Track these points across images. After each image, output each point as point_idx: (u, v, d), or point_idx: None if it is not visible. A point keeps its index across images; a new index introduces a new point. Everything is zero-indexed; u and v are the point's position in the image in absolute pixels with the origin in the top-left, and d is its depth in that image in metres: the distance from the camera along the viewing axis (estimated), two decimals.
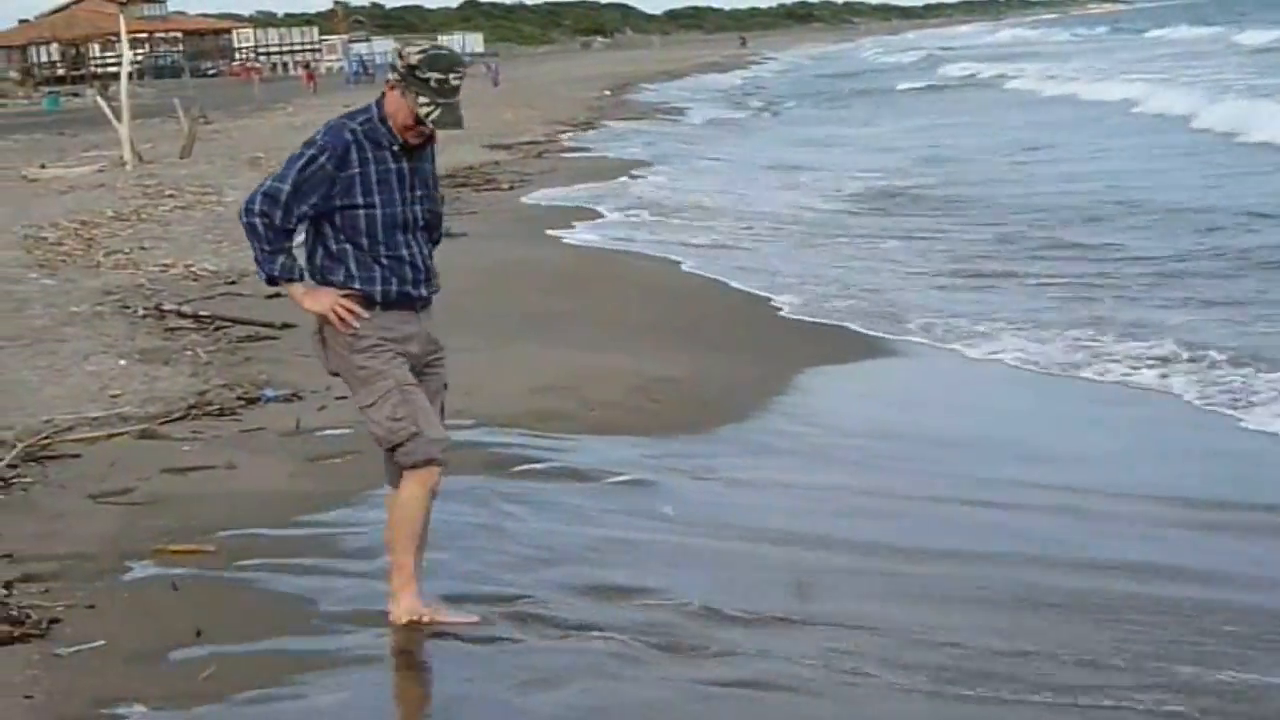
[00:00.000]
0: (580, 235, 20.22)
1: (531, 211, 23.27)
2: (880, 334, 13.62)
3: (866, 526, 8.38)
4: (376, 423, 6.46)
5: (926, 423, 10.86)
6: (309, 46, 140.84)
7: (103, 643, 6.49)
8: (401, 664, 6.48)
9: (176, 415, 10.53)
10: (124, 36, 34.34)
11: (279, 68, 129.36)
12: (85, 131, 46.29)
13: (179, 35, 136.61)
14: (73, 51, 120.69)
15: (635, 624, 6.73)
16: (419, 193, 6.50)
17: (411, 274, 6.48)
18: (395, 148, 6.38)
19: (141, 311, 14.68)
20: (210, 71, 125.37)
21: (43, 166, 33.76)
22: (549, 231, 20.52)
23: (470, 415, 10.14)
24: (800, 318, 14.42)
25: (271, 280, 6.51)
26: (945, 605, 7.09)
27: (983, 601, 7.15)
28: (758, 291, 15.84)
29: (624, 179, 27.56)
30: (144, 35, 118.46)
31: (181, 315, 14.27)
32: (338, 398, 10.75)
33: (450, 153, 33.19)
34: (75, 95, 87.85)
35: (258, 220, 6.36)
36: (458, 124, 6.36)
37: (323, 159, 6.31)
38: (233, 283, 16.36)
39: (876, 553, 7.90)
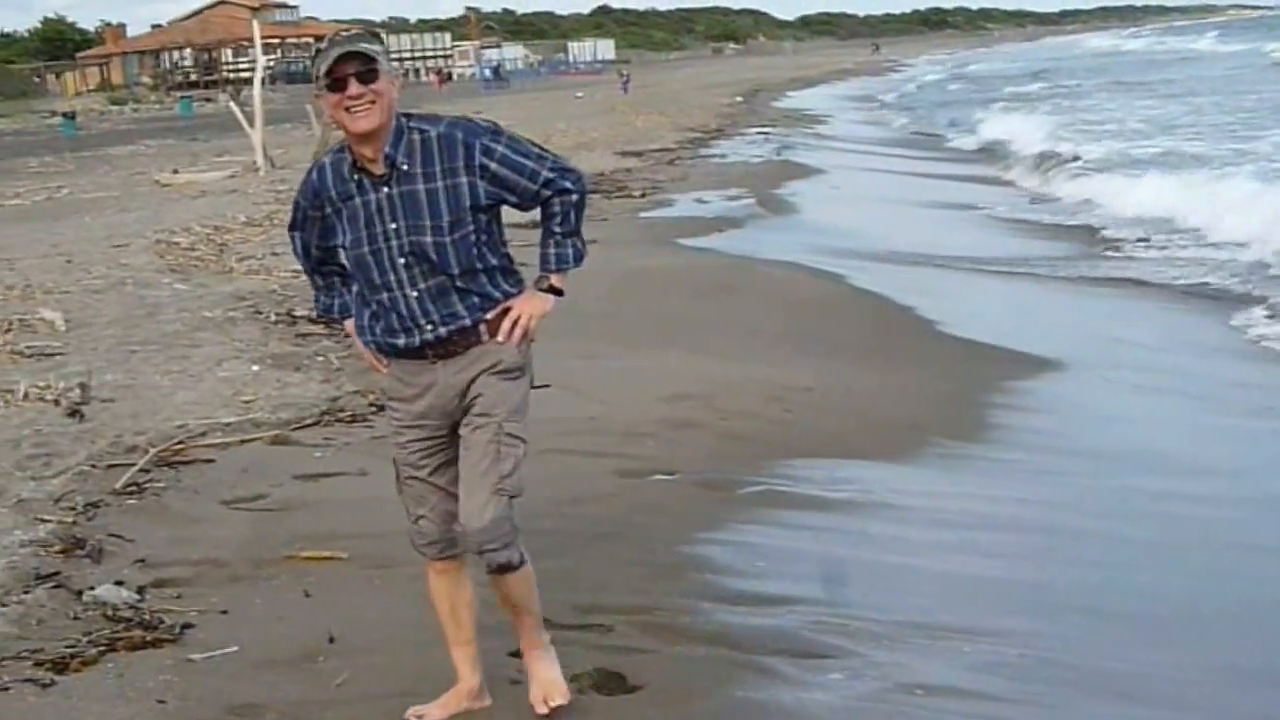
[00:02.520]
0: (712, 242, 20.11)
1: (663, 219, 23.19)
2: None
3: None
4: None
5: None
6: (441, 52, 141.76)
7: (236, 649, 6.50)
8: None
9: (309, 421, 10.55)
10: (257, 42, 34.71)
11: (410, 74, 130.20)
12: (217, 137, 46.92)
13: (311, 41, 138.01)
14: (205, 57, 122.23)
15: (771, 633, 6.66)
16: (394, 225, 5.44)
17: (399, 321, 5.54)
18: (356, 177, 5.46)
19: (274, 317, 14.76)
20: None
21: (175, 172, 34.20)
22: (680, 239, 20.43)
23: (602, 423, 10.12)
24: (953, 332, 14.15)
25: (318, 317, 6.19)
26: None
27: None
28: (886, 294, 15.69)
29: (758, 186, 27.35)
30: (276, 41, 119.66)
31: (313, 321, 14.33)
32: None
33: (581, 160, 33.26)
34: (208, 100, 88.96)
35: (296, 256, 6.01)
36: (354, 46, 5.33)
37: (301, 200, 5.69)
38: None
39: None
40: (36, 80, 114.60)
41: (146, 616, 6.89)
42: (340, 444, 9.97)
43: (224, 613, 6.96)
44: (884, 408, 11.08)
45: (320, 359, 12.68)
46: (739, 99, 65.27)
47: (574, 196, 5.66)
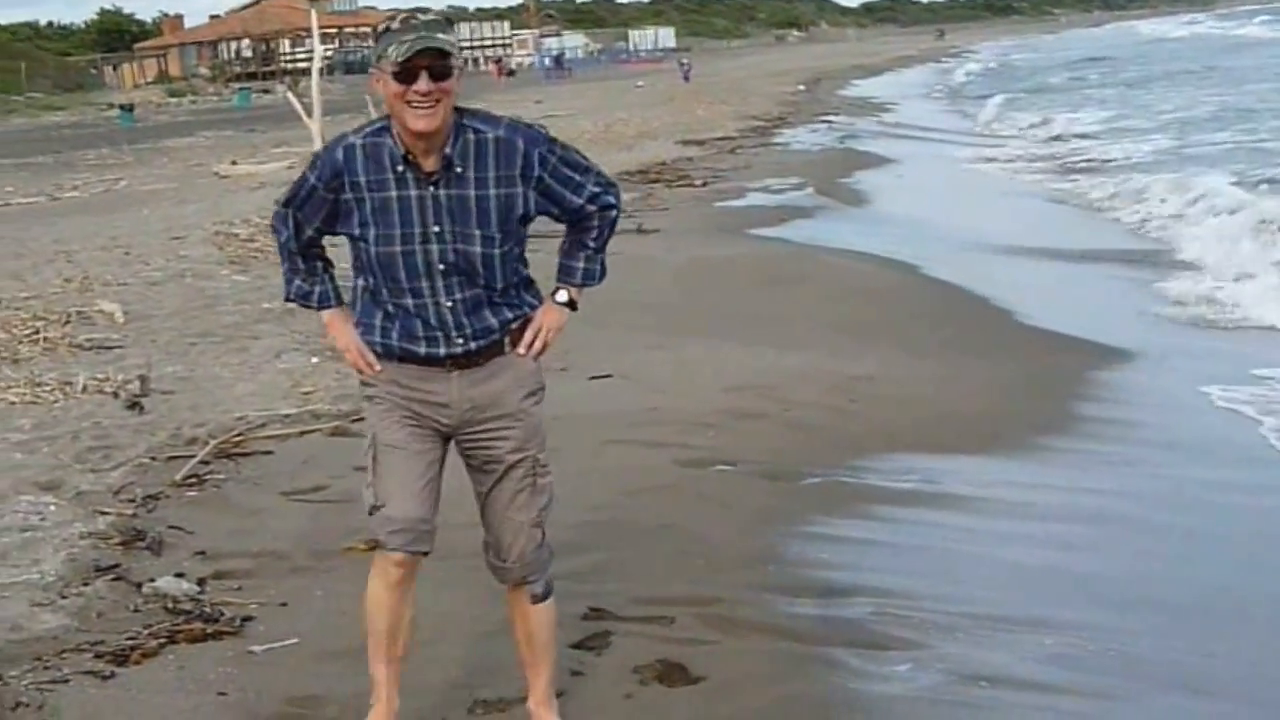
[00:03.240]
0: (777, 231, 20.00)
1: (725, 208, 23.06)
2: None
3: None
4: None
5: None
6: (500, 41, 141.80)
7: (296, 641, 6.48)
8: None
9: None
10: (315, 32, 34.69)
11: (469, 63, 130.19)
12: (275, 128, 47.04)
13: (369, 30, 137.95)
14: (263, 47, 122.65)
15: (836, 625, 6.61)
16: (435, 228, 5.02)
17: (422, 329, 5.14)
18: (399, 168, 5.00)
19: None
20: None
21: (234, 163, 34.33)
22: (742, 228, 20.32)
23: (664, 413, 10.06)
24: (1029, 322, 13.96)
25: (288, 299, 5.56)
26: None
27: None
28: (959, 284, 15.60)
29: (823, 175, 27.20)
30: (334, 31, 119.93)
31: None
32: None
33: (643, 149, 33.28)
34: (265, 91, 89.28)
35: (274, 235, 5.45)
36: (433, 40, 4.88)
37: (313, 179, 5.11)
38: None
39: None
40: (94, 72, 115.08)
41: (207, 609, 6.88)
42: None
43: (284, 605, 6.95)
44: (951, 398, 10.95)
45: None
46: (801, 87, 64.93)
47: (614, 213, 5.44)
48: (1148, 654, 6.48)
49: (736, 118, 44.76)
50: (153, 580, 7.23)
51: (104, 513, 8.34)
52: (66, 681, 6.11)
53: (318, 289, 5.42)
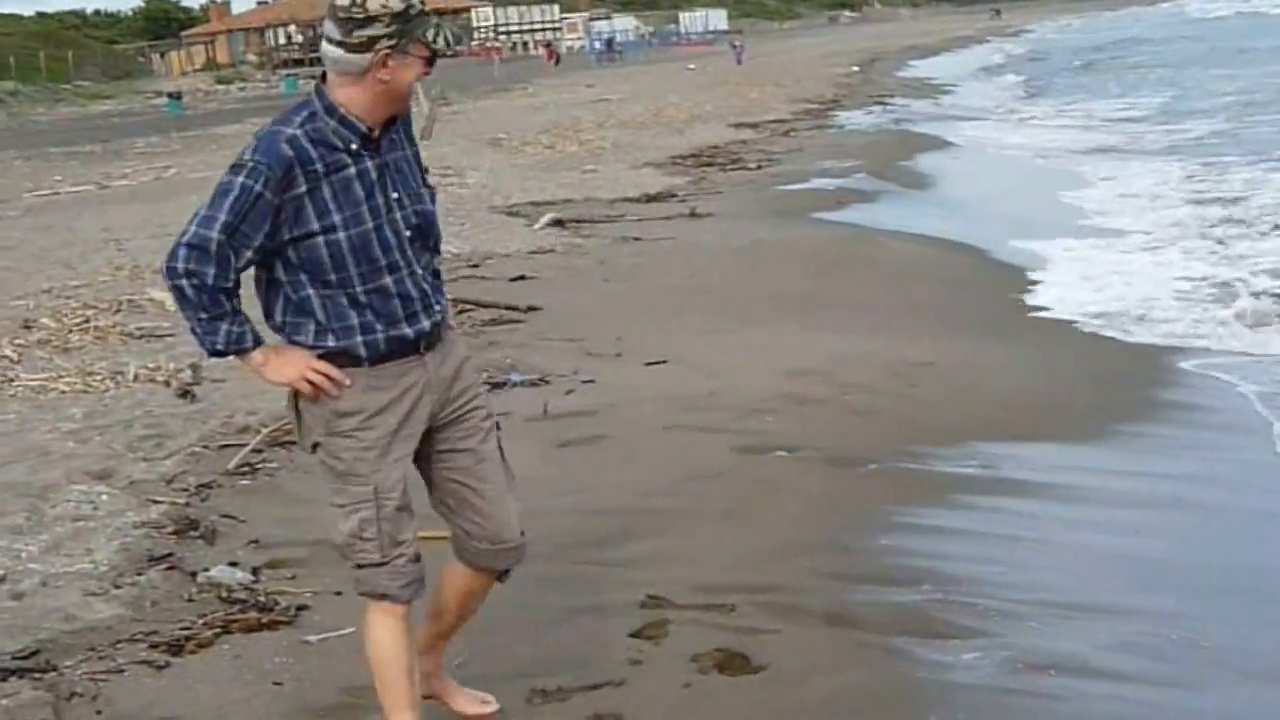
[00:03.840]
0: (833, 215, 19.86)
1: (781, 191, 22.89)
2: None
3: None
4: (339, 529, 5.03)
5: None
6: (549, 25, 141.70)
7: (351, 630, 6.37)
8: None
9: None
10: None
11: (519, 47, 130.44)
12: None
13: None
14: (310, 33, 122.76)
15: (898, 612, 6.49)
16: (395, 195, 4.91)
17: (403, 308, 4.92)
18: (353, 145, 4.83)
19: None
20: (449, 52, 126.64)
21: None
22: (799, 212, 20.19)
23: (721, 398, 9.97)
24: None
25: (216, 354, 4.88)
26: None
27: None
28: (1019, 265, 15.41)
29: (880, 157, 26.98)
30: None
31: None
32: (584, 381, 10.67)
33: (695, 132, 33.20)
34: (313, 78, 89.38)
35: (184, 283, 4.71)
36: (460, 39, 5.03)
37: (258, 186, 4.69)
38: (475, 266, 16.31)
39: None
40: (141, 60, 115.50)
41: (262, 598, 6.83)
42: None
43: (338, 594, 6.84)
44: (1014, 383, 10.83)
45: None
46: (855, 69, 64.51)
47: None
48: (1226, 641, 6.33)
49: (789, 100, 44.57)
50: (207, 569, 7.18)
51: (157, 501, 8.30)
52: (121, 671, 6.07)
53: (248, 328, 4.87)
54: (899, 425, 9.61)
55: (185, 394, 10.71)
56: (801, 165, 26.11)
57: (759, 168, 26.19)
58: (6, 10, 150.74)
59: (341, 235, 4.80)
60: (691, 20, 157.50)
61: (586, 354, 11.66)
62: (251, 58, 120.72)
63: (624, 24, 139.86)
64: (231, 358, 4.90)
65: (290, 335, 4.92)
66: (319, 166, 4.77)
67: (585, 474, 8.60)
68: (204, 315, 4.76)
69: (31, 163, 36.87)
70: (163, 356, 11.92)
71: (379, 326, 4.88)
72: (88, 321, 13.59)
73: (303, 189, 4.75)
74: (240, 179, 4.72)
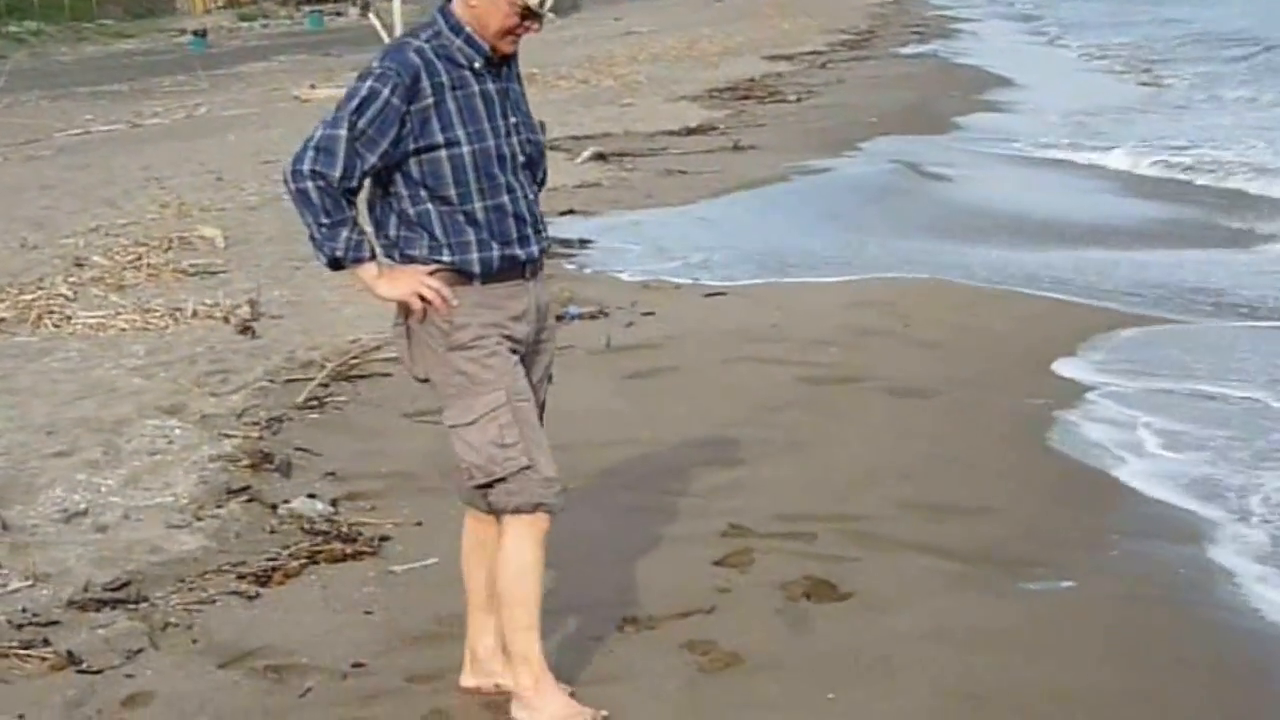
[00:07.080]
0: (875, 145, 19.79)
1: (823, 124, 22.78)
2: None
3: None
4: (474, 448, 4.90)
5: None
6: None
7: (436, 560, 6.41)
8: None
9: None
10: None
11: None
12: (351, 51, 46.53)
13: None
14: None
15: (979, 541, 6.54)
16: (513, 119, 4.93)
17: (517, 229, 4.90)
18: (476, 64, 4.85)
19: None
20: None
21: (313, 87, 34.07)
22: (843, 143, 20.12)
23: (784, 330, 9.98)
24: None
25: (336, 264, 4.86)
26: None
27: None
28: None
29: (921, 89, 26.76)
30: None
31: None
32: (644, 314, 10.67)
33: (730, 65, 33.02)
34: (338, 14, 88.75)
35: (309, 184, 4.73)
36: (576, 6, 5.01)
37: (386, 91, 4.74)
38: None
39: None
40: None
41: (344, 529, 6.85)
42: None
43: (418, 524, 6.90)
44: (1080, 317, 10.81)
45: None
46: None
47: None
48: None
49: (823, 31, 44.31)
50: (287, 501, 7.20)
51: (229, 435, 8.30)
52: (213, 602, 6.10)
53: (366, 238, 4.87)
54: (963, 357, 9.63)
55: (245, 330, 10.71)
56: (842, 98, 25.98)
57: (799, 100, 26.04)
58: None
59: (465, 150, 4.81)
60: None
61: (644, 287, 11.66)
62: None
63: None
64: (348, 268, 4.86)
65: (404, 249, 4.91)
66: (445, 79, 4.80)
67: (654, 406, 8.62)
68: (325, 221, 4.75)
69: (59, 103, 36.61)
70: (220, 293, 11.92)
71: (494, 245, 4.87)
72: (140, 259, 13.54)
73: (429, 100, 4.77)
74: (369, 83, 4.77)
